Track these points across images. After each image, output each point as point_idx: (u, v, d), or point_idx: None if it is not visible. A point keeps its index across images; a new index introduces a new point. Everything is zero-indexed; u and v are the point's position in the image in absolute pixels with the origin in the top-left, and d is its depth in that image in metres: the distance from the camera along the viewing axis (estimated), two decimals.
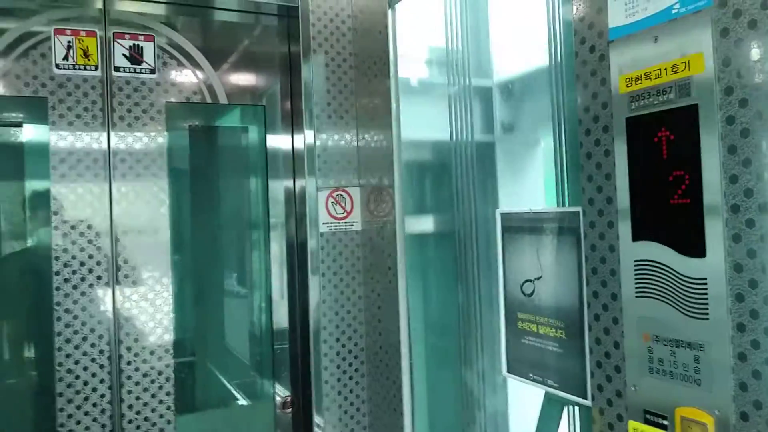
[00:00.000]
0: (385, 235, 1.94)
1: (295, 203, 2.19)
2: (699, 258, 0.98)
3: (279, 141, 2.21)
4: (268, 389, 2.21)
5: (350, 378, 2.09)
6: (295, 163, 2.20)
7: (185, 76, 2.06)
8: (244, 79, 2.20)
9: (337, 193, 2.07)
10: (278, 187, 2.21)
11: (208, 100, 2.10)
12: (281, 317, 2.20)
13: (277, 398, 2.18)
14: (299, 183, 2.17)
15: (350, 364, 2.09)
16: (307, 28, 2.07)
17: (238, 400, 2.20)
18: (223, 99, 2.12)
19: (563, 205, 1.51)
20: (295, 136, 2.21)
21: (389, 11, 1.88)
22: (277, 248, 2.20)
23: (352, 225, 2.09)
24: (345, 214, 2.08)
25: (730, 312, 0.94)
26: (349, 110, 2.11)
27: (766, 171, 0.89)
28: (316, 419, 2.08)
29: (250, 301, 2.24)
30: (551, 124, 1.53)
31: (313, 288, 2.07)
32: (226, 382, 2.19)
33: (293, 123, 2.20)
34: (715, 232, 0.95)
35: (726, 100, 0.94)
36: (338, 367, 2.07)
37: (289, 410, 2.16)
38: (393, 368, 1.91)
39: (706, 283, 0.97)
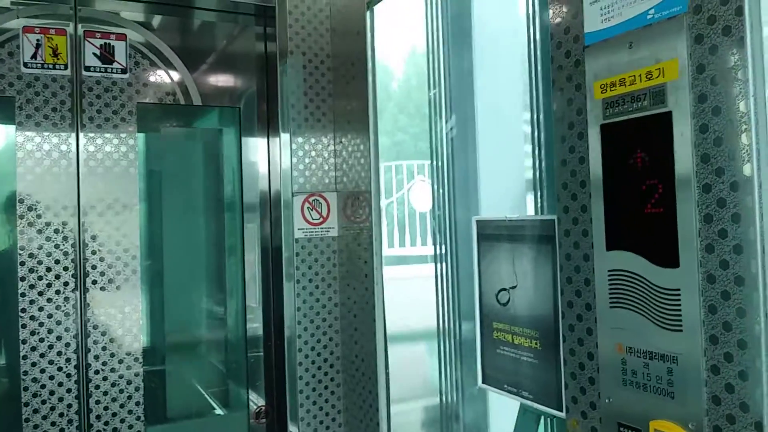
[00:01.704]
0: (362, 241, 1.90)
1: (270, 208, 2.14)
2: (672, 268, 0.96)
3: (254, 144, 2.17)
4: (242, 398, 2.16)
5: (326, 387, 2.05)
6: (270, 166, 2.16)
7: (158, 77, 2.01)
8: (219, 80, 2.16)
9: (314, 198, 2.03)
10: (253, 191, 2.16)
11: (182, 101, 2.05)
12: (255, 325, 2.16)
13: (252, 407, 2.13)
14: (274, 187, 2.13)
15: (326, 373, 2.05)
16: (284, 28, 2.04)
17: (211, 409, 2.15)
18: (197, 100, 2.07)
19: (541, 212, 1.49)
20: (270, 139, 2.16)
21: (367, 12, 1.85)
22: (252, 254, 2.16)
23: (328, 231, 2.05)
24: (321, 220, 2.04)
25: (703, 324, 0.92)
26: (327, 113, 2.07)
27: (739, 180, 0.87)
28: (291, 429, 2.04)
29: (223, 307, 2.19)
30: (529, 130, 1.51)
31: (288, 295, 2.02)
32: (198, 391, 2.13)
33: (269, 125, 2.16)
34: (688, 242, 0.93)
35: (699, 107, 0.92)
36: (314, 376, 2.03)
37: (264, 420, 2.12)
38: (369, 377, 1.87)
39: (679, 294, 0.95)
